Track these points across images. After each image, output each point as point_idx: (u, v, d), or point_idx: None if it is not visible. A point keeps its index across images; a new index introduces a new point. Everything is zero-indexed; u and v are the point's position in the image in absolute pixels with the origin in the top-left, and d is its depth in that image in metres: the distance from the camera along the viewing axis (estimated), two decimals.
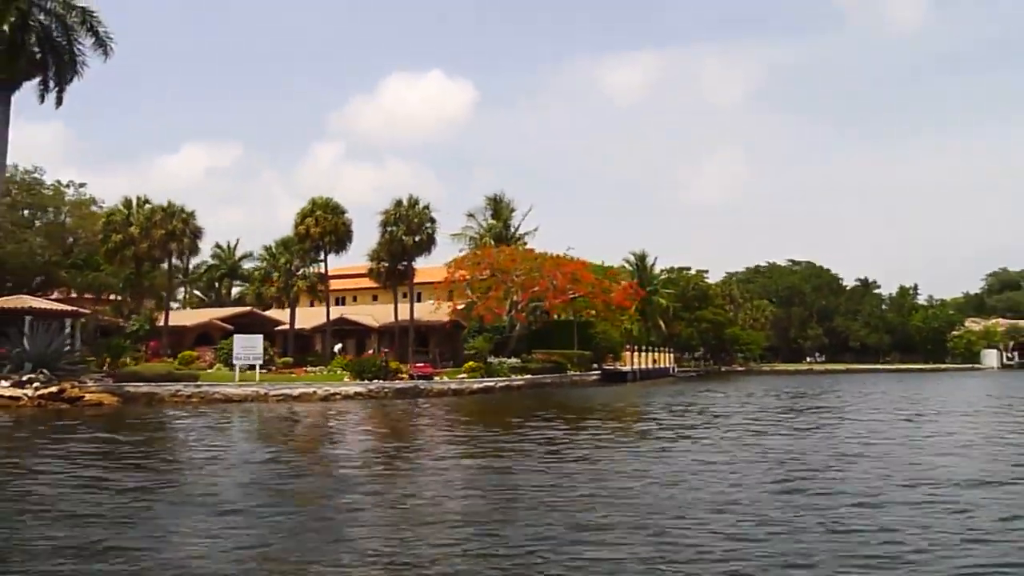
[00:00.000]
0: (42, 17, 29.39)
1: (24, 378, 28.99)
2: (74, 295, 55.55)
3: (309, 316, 61.60)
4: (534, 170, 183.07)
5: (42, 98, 29.61)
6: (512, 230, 69.17)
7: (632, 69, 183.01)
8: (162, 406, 30.10)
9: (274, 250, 50.56)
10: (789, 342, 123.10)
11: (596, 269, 58.55)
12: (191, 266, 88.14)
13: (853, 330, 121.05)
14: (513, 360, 51.35)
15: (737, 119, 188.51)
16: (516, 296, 53.24)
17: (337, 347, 54.47)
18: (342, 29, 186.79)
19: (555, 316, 58.08)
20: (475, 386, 41.66)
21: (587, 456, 17.15)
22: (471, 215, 70.13)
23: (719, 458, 16.62)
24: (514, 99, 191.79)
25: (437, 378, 42.89)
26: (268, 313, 62.19)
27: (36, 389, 28.30)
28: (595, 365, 63.62)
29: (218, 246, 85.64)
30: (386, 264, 55.54)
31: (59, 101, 29.53)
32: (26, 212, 58.53)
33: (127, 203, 47.38)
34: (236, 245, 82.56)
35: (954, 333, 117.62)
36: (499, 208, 70.10)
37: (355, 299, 76.02)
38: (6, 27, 27.88)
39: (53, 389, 28.37)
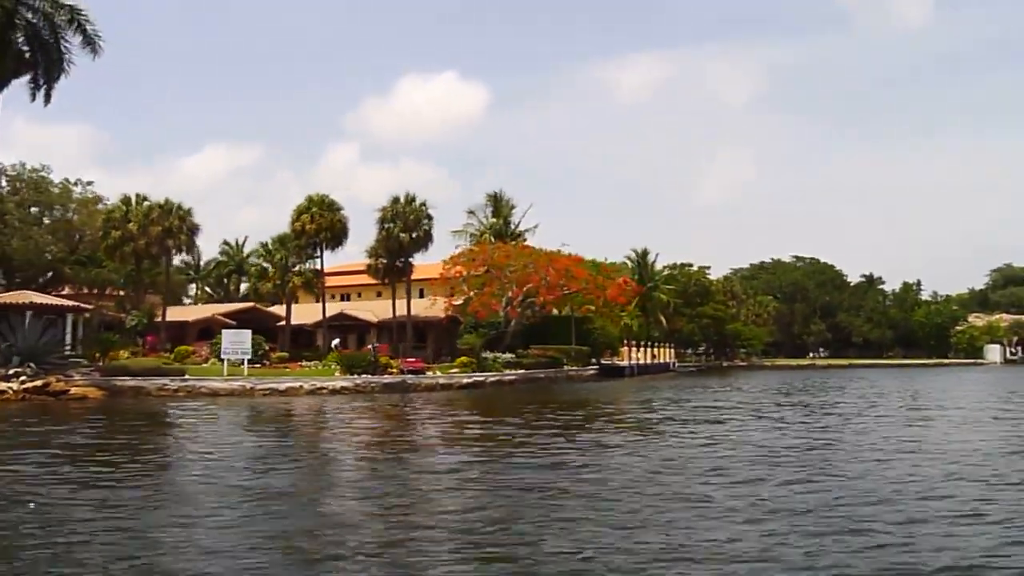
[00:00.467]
0: (29, 16, 30.14)
1: (11, 372, 29.84)
2: (85, 291, 56.70)
3: (310, 312, 62.35)
4: (544, 170, 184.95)
5: (33, 95, 30.46)
6: (512, 227, 69.85)
7: (640, 70, 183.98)
8: (148, 400, 30.90)
9: (271, 247, 51.30)
10: (792, 338, 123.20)
11: (591, 265, 59.05)
12: (202, 263, 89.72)
13: (856, 326, 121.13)
14: (508, 355, 52.01)
15: (743, 120, 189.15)
16: (510, 292, 53.87)
17: (335, 342, 55.23)
18: (356, 31, 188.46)
19: (551, 312, 58.62)
20: (464, 381, 42.26)
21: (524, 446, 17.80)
22: (472, 212, 70.93)
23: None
24: (526, 100, 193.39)
25: (430, 373, 43.60)
26: (272, 309, 63.18)
27: (22, 383, 29.12)
28: (593, 360, 64.23)
29: (226, 243, 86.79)
30: (384, 261, 56.33)
31: (47, 99, 30.39)
32: (34, 209, 59.62)
33: (126, 200, 48.32)
34: (244, 242, 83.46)
35: (957, 328, 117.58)
36: (499, 205, 70.80)
37: (359, 295, 77.10)
38: None
39: (38, 383, 29.17)
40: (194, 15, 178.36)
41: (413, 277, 62.76)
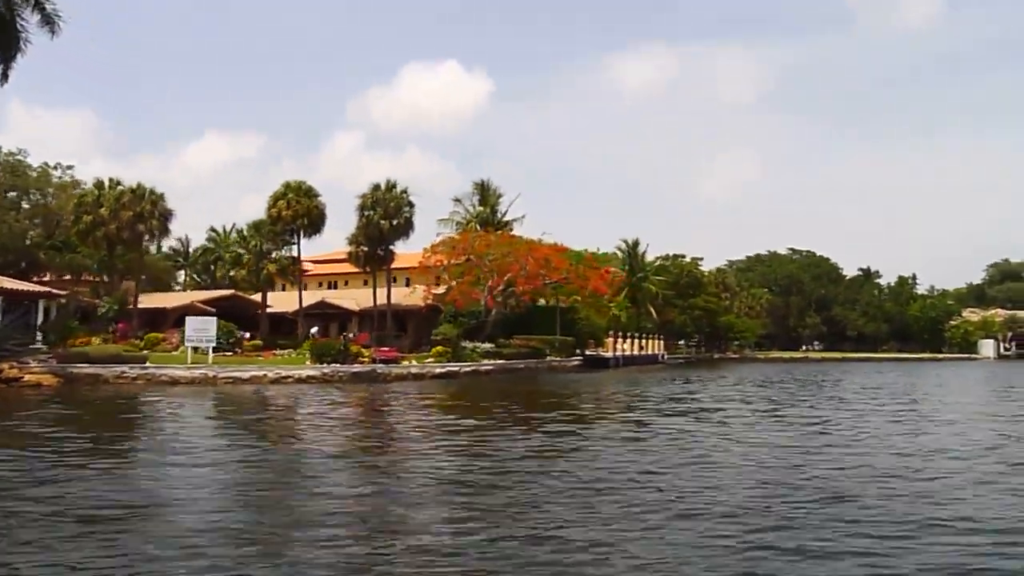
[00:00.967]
0: None
1: None
2: (67, 277, 55.92)
3: (292, 299, 61.58)
4: (545, 166, 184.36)
5: None
6: (499, 216, 68.92)
7: (641, 68, 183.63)
8: (104, 388, 30.14)
9: (246, 233, 50.48)
10: (787, 330, 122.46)
11: (573, 255, 58.17)
12: (191, 250, 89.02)
13: (851, 319, 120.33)
14: (487, 345, 51.21)
15: (745, 119, 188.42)
16: (490, 281, 53.03)
17: (313, 330, 54.57)
18: (359, 23, 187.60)
19: (531, 301, 57.70)
20: (437, 371, 41.46)
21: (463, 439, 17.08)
22: (458, 200, 69.92)
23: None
24: (528, 91, 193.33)
25: (406, 362, 42.85)
26: (255, 296, 62.44)
27: None
28: (577, 351, 63.47)
29: (213, 229, 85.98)
30: (365, 249, 55.60)
31: (4, 77, 29.43)
32: (11, 194, 58.76)
33: (99, 184, 47.50)
34: (231, 229, 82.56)
35: (951, 323, 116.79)
36: (486, 194, 69.75)
37: (347, 283, 76.19)
38: None
39: None
40: (198, 7, 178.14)
41: (398, 265, 62.07)
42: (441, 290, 54.91)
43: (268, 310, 62.44)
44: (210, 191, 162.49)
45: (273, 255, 50.19)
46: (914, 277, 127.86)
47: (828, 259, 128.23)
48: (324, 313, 61.20)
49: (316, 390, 31.78)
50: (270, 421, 21.56)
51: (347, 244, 56.19)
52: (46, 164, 59.85)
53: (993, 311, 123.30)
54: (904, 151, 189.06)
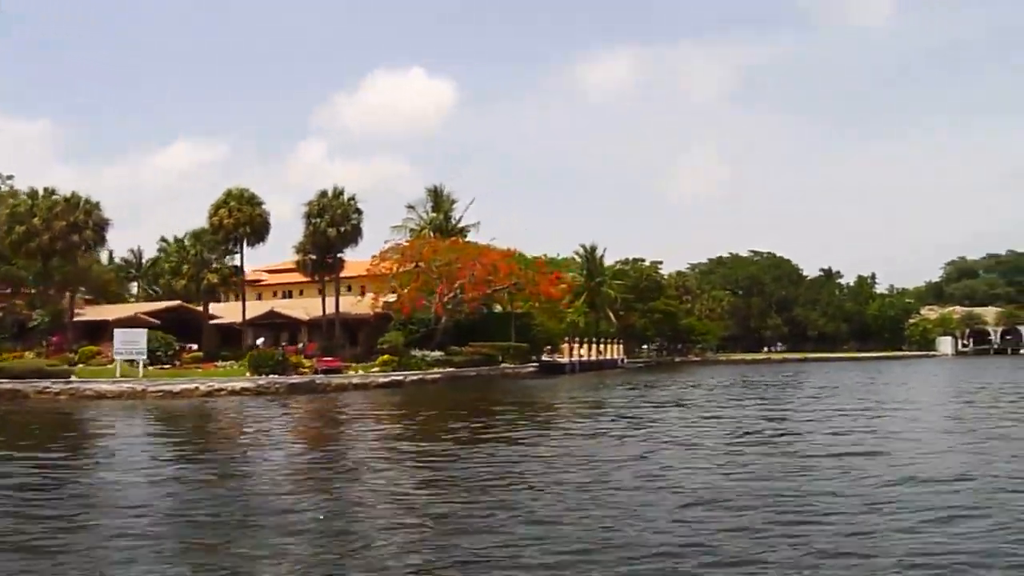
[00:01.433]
0: None
1: None
2: (8, 290, 54.20)
3: (240, 310, 60.59)
4: (511, 165, 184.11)
5: None
6: (453, 222, 68.18)
7: (610, 68, 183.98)
8: (24, 404, 29.02)
9: (185, 242, 49.30)
10: (750, 332, 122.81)
11: (523, 260, 57.64)
12: (144, 260, 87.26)
13: (812, 319, 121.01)
14: (437, 353, 50.40)
15: (712, 117, 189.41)
16: (438, 288, 52.26)
17: (259, 341, 53.45)
18: (326, 27, 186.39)
19: (484, 308, 57.09)
20: (381, 380, 40.58)
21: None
22: (411, 207, 69.17)
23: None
24: (495, 96, 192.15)
25: (353, 372, 41.98)
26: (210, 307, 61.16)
27: None
28: (533, 358, 62.82)
29: (164, 239, 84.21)
30: (313, 257, 54.66)
31: None
32: None
33: (32, 194, 46.16)
34: (183, 238, 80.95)
35: (910, 321, 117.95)
36: (439, 200, 69.03)
37: (302, 293, 74.98)
38: None
39: None
40: (162, 12, 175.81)
41: (351, 274, 61.16)
42: (392, 298, 54.07)
43: (218, 321, 61.26)
44: (175, 200, 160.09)
45: (215, 264, 48.83)
46: (873, 276, 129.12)
47: (789, 260, 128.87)
48: (273, 323, 60.09)
49: (246, 403, 30.88)
50: (160, 439, 20.63)
51: (294, 253, 55.28)
52: None
53: (951, 309, 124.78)
54: (869, 150, 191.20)
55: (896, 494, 11.68)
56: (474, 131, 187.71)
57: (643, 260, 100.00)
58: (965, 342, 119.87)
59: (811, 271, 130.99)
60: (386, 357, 45.09)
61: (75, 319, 52.27)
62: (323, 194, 53.40)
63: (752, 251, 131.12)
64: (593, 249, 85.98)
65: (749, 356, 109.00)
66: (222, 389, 34.06)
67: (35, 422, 23.74)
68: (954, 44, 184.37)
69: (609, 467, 14.51)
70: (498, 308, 63.41)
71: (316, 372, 39.55)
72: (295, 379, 37.10)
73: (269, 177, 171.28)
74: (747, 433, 19.94)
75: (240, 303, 60.21)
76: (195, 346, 51.49)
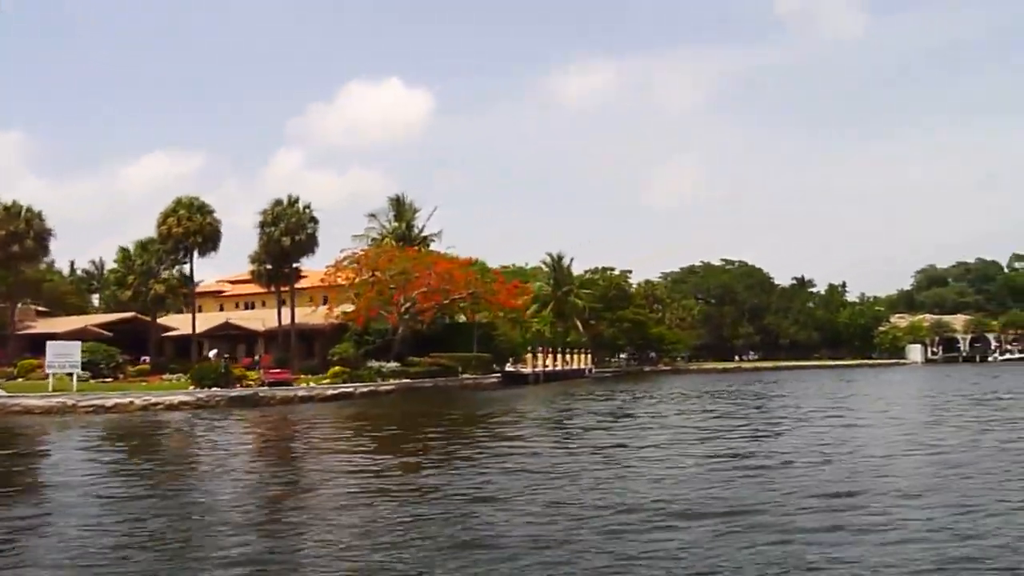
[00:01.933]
0: None
1: None
2: None
3: (199, 321, 59.40)
4: (488, 175, 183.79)
5: None
6: (415, 231, 67.32)
7: (586, 77, 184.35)
8: None
9: (132, 252, 48.15)
10: (723, 340, 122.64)
11: (483, 269, 56.91)
12: (106, 271, 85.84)
13: (783, 327, 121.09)
14: (393, 364, 49.51)
15: (687, 127, 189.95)
16: (400, 298, 51.41)
17: (212, 352, 52.29)
18: (299, 37, 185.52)
19: (445, 318, 56.28)
20: (328, 392, 39.62)
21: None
22: (373, 216, 68.25)
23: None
24: (472, 107, 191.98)
25: (305, 385, 40.97)
26: (163, 320, 59.98)
27: None
28: (496, 368, 62.00)
29: (123, 250, 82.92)
30: (268, 267, 53.65)
31: None
32: None
33: None
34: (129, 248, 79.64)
35: (880, 329, 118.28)
36: (401, 209, 68.13)
37: (264, 304, 73.77)
38: None
39: None
40: (135, 22, 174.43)
41: (308, 284, 60.17)
42: (349, 308, 53.13)
43: (173, 333, 60.10)
44: (150, 212, 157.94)
45: (162, 275, 47.68)
46: (844, 285, 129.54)
47: (761, 269, 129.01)
48: (229, 335, 58.97)
49: (177, 418, 29.88)
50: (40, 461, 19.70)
51: (249, 263, 54.30)
52: None
53: (920, 317, 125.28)
54: (848, 157, 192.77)
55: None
56: (451, 141, 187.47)
57: (613, 269, 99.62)
58: (935, 350, 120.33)
59: (785, 280, 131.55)
60: (337, 369, 44.16)
61: (21, 331, 51.05)
62: (278, 202, 52.49)
63: (724, 260, 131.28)
64: (560, 258, 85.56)
65: (720, 365, 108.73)
66: (159, 403, 33.00)
67: None
68: (927, 52, 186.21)
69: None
70: (462, 318, 62.61)
71: (262, 384, 38.57)
72: (237, 392, 36.08)
73: (244, 188, 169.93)
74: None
75: (199, 314, 59.03)
76: (148, 358, 50.38)
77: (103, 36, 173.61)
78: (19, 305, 54.08)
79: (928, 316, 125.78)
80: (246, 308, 74.39)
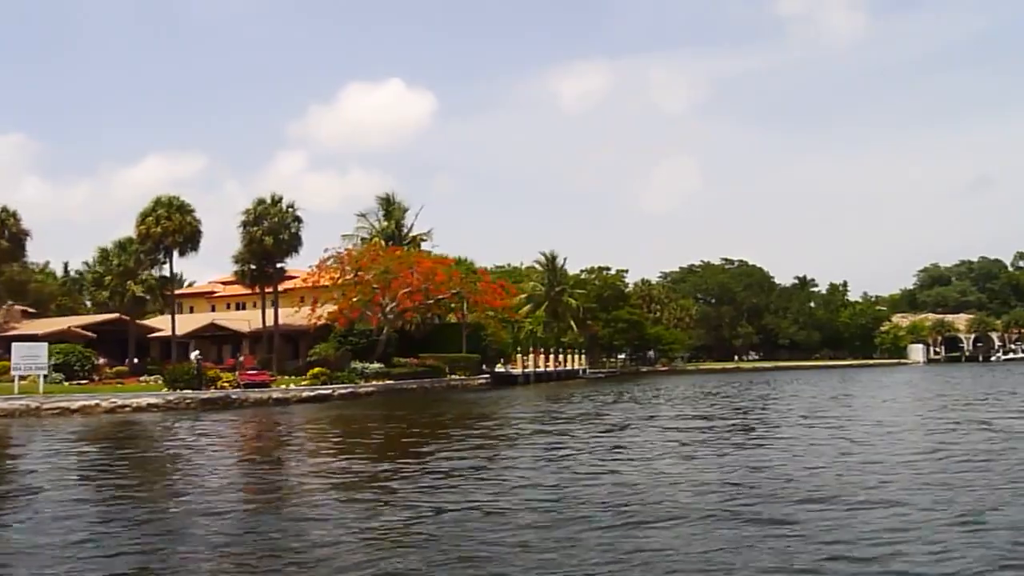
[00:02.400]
0: None
1: None
2: None
3: (187, 322, 58.88)
4: (487, 176, 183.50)
5: None
6: (404, 231, 66.65)
7: (583, 80, 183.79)
8: None
9: (109, 251, 47.49)
10: (722, 341, 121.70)
11: (469, 269, 56.17)
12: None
13: (783, 327, 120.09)
14: (377, 365, 48.76)
15: (685, 128, 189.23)
16: (383, 298, 50.67)
17: (194, 354, 51.61)
18: (303, 40, 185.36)
19: (431, 318, 55.52)
20: (305, 394, 38.89)
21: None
22: (363, 215, 67.63)
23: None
24: (472, 108, 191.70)
25: (284, 387, 40.25)
26: (148, 321, 59.47)
27: None
28: (485, 368, 61.25)
29: (102, 250, 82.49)
30: (252, 267, 53.00)
31: None
32: None
33: None
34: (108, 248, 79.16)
35: (881, 329, 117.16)
36: (391, 208, 67.48)
37: (255, 305, 73.20)
38: None
39: None
40: (135, 25, 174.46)
41: (295, 285, 59.49)
42: (333, 308, 52.42)
43: (158, 334, 59.49)
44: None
45: (141, 275, 47.02)
46: (845, 284, 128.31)
47: (760, 268, 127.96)
48: (215, 336, 58.41)
49: (144, 420, 29.21)
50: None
51: (232, 263, 53.68)
52: None
53: (923, 316, 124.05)
54: (842, 159, 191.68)
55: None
56: (451, 142, 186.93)
57: (608, 269, 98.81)
58: (937, 349, 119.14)
59: (787, 280, 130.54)
60: (316, 370, 43.42)
61: (3, 333, 50.50)
62: (260, 201, 51.82)
63: (724, 259, 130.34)
64: (554, 257, 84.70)
65: (719, 365, 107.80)
66: (126, 405, 32.33)
67: None
68: (927, 52, 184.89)
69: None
70: (452, 319, 61.89)
71: (237, 386, 37.87)
72: (208, 394, 35.39)
73: (244, 190, 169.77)
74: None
75: (186, 316, 58.50)
76: (136, 360, 49.82)
77: (105, 38, 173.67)
78: (2, 307, 53.64)
79: (930, 315, 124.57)
80: (237, 309, 73.81)
